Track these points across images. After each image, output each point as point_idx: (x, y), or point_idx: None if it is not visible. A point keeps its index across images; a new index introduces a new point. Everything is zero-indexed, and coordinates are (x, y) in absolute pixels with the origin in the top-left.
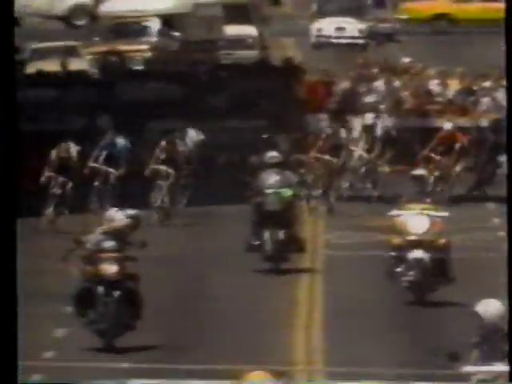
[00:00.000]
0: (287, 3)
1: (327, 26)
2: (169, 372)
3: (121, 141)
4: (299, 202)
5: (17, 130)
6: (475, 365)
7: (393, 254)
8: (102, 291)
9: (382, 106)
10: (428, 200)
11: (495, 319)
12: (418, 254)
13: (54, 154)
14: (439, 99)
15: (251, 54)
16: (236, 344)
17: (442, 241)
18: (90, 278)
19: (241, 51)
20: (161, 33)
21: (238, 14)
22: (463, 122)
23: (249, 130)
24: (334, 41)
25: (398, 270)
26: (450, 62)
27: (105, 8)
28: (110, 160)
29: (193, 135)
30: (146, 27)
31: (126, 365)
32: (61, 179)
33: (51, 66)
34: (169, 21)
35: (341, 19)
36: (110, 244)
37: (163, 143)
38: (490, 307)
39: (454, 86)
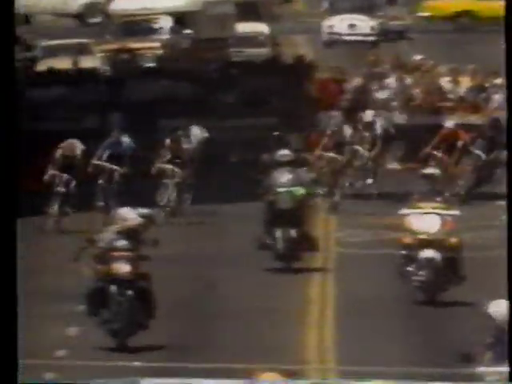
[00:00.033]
0: (299, 0)
1: (339, 24)
2: (181, 370)
3: (126, 139)
4: (311, 200)
5: (17, 130)
6: (488, 366)
7: (404, 253)
8: (114, 290)
9: (393, 103)
10: (439, 199)
11: (507, 320)
12: (428, 253)
13: (58, 152)
14: (451, 96)
15: (262, 52)
16: (248, 343)
17: (453, 240)
18: (102, 277)
19: (252, 49)
20: (172, 30)
21: (250, 12)
22: (474, 119)
23: (260, 127)
24: (345, 38)
25: (409, 269)
26: (461, 59)
27: (116, 6)
28: (115, 159)
29: (197, 133)
30: (157, 25)
31: (138, 363)
32: (65, 177)
33: (62, 63)
34: (180, 18)
35: (352, 16)
36: (122, 243)
37: (167, 142)
38: (502, 308)
39: (466, 83)
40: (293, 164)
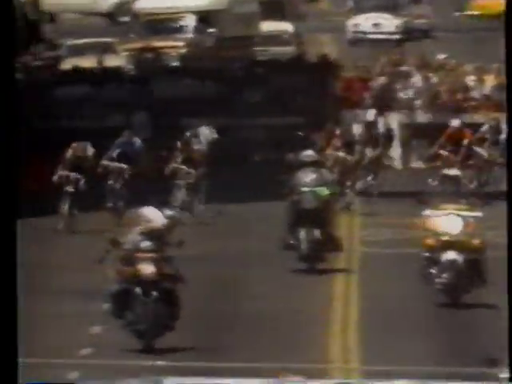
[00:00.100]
0: None
1: (363, 22)
2: (204, 370)
3: (137, 139)
4: (335, 200)
5: (17, 130)
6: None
7: (426, 255)
8: (139, 292)
9: (417, 102)
10: (462, 200)
11: None
12: (451, 255)
13: (69, 152)
14: (475, 95)
15: (287, 51)
16: (272, 343)
17: (476, 241)
18: (127, 278)
19: (277, 47)
20: (196, 29)
21: (274, 10)
22: (499, 117)
23: (284, 126)
24: (370, 37)
25: (432, 271)
26: (486, 57)
27: (141, 4)
28: (126, 158)
29: (206, 133)
30: (181, 24)
31: (161, 362)
32: (75, 176)
33: (87, 62)
34: (204, 17)
35: (377, 15)
36: (147, 244)
37: (178, 144)
38: None
39: (490, 81)
40: (317, 164)
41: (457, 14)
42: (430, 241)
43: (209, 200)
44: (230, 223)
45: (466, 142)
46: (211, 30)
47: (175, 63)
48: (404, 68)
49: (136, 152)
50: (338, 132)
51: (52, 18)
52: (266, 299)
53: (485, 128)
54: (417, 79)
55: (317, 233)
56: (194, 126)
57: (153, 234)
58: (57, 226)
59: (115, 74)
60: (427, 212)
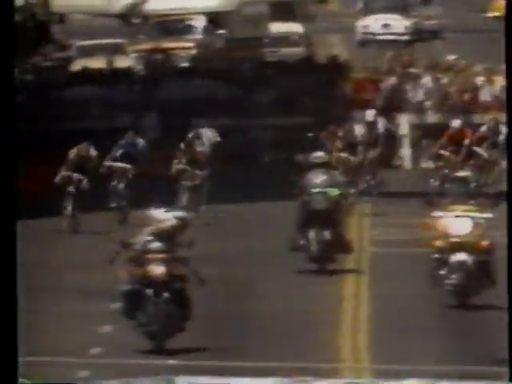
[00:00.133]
0: (333, 0)
1: (373, 23)
2: (216, 369)
3: (140, 140)
4: (345, 201)
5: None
6: None
7: (436, 256)
8: (150, 293)
9: (427, 103)
10: (471, 201)
11: None
12: (460, 256)
13: (72, 153)
14: (485, 96)
15: (297, 52)
16: (282, 343)
17: (485, 243)
18: (138, 279)
19: (286, 48)
20: (206, 30)
21: (284, 12)
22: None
23: (294, 127)
24: (379, 38)
25: (441, 272)
26: (495, 58)
27: (151, 6)
28: (129, 159)
29: (209, 135)
30: (191, 25)
31: (172, 362)
32: (77, 177)
33: (97, 63)
34: (214, 18)
35: (387, 16)
36: (157, 245)
37: (182, 146)
38: None
39: (500, 82)
40: (327, 165)
41: (482, 14)
42: (439, 242)
43: (216, 200)
44: (239, 224)
45: (466, 142)
46: (221, 31)
47: (185, 64)
48: (414, 69)
49: (139, 153)
50: (340, 133)
51: (61, 18)
52: (277, 300)
53: (484, 128)
54: (427, 80)
55: (327, 234)
56: (202, 127)
57: (163, 235)
58: (60, 227)
59: (125, 74)
60: (436, 213)
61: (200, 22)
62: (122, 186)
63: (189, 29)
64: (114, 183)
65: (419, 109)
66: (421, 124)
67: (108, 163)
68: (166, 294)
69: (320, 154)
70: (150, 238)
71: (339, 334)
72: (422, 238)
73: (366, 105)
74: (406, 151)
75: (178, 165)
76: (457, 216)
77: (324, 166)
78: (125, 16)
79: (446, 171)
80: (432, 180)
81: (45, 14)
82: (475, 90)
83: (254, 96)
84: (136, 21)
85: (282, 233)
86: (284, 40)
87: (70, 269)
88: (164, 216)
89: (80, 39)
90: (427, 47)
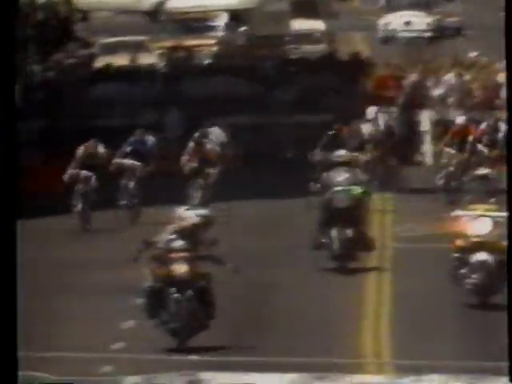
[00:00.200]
0: None
1: (395, 21)
2: (239, 365)
3: (150, 138)
4: (368, 199)
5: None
6: None
7: (456, 255)
8: (174, 291)
9: (450, 100)
10: (491, 200)
11: None
12: (481, 256)
13: (80, 150)
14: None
15: (319, 49)
16: (305, 340)
17: (506, 242)
18: (161, 278)
19: (308, 46)
20: (228, 28)
21: (306, 9)
22: None
23: (316, 124)
24: (401, 35)
25: (462, 271)
26: None
27: (173, 4)
28: (138, 157)
29: (217, 133)
30: (213, 22)
31: (195, 357)
32: (85, 174)
33: (120, 60)
34: (236, 16)
35: (409, 13)
36: (180, 243)
37: (192, 144)
38: None
39: None
40: (350, 164)
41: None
42: (459, 242)
43: (237, 198)
44: (261, 222)
45: (470, 138)
46: (242, 28)
47: (207, 61)
48: (436, 66)
49: (148, 151)
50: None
51: (84, 16)
52: (299, 297)
53: (484, 125)
54: (449, 77)
55: (349, 232)
56: (222, 125)
57: (185, 233)
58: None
59: (148, 72)
60: (457, 212)
61: (222, 20)
62: (132, 183)
63: (211, 26)
64: (124, 181)
65: (441, 105)
66: (442, 120)
67: (118, 160)
68: (189, 292)
69: (342, 152)
70: (172, 236)
71: (361, 330)
72: (444, 235)
73: (388, 102)
74: (427, 148)
75: (190, 162)
76: (477, 216)
77: (346, 164)
78: (152, 13)
79: (451, 169)
80: (438, 177)
81: (68, 12)
82: (497, 87)
83: (275, 93)
84: (162, 18)
85: (304, 231)
86: (306, 37)
87: (85, 267)
88: (187, 214)
89: (103, 37)
90: (449, 44)
